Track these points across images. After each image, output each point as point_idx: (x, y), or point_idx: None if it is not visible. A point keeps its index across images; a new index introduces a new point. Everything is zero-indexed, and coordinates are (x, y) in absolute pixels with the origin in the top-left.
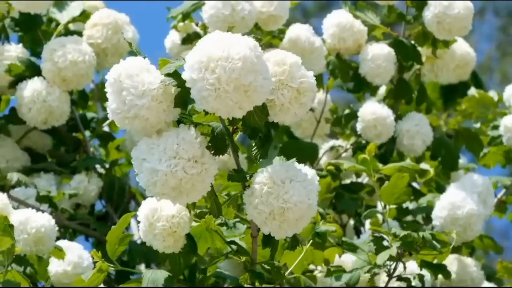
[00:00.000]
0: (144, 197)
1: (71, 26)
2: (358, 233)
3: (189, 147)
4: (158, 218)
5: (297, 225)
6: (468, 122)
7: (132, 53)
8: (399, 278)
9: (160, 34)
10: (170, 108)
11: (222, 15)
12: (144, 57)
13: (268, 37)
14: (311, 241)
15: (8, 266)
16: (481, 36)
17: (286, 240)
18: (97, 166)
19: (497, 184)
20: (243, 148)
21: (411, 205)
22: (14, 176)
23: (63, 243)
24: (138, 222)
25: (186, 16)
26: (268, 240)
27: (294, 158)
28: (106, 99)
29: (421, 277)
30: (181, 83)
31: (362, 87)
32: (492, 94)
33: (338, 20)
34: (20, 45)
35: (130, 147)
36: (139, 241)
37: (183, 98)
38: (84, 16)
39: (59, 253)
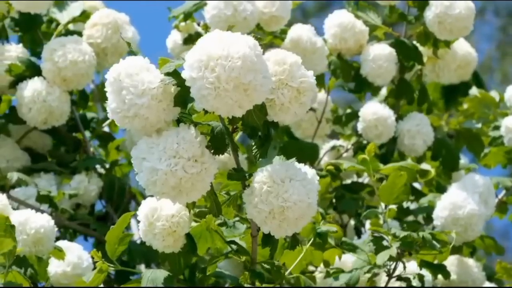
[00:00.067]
0: (144, 197)
1: (71, 26)
2: (358, 233)
3: (189, 146)
4: (158, 217)
5: (297, 224)
6: (469, 123)
7: (132, 53)
8: (399, 278)
9: (161, 34)
10: (170, 107)
11: (224, 15)
12: (144, 57)
13: (269, 37)
14: (311, 241)
15: (9, 267)
16: (481, 36)
17: (286, 240)
18: (97, 166)
19: (498, 185)
20: (243, 148)
21: (412, 205)
22: (14, 175)
23: (63, 244)
24: (138, 222)
25: (187, 16)
26: (268, 239)
27: (294, 158)
28: (107, 100)
29: (421, 277)
30: (180, 82)
31: (363, 87)
32: (493, 94)
33: (339, 20)
34: (20, 45)
35: (130, 147)
36: (139, 241)
37: (182, 97)
38: (84, 16)
39: (59, 253)
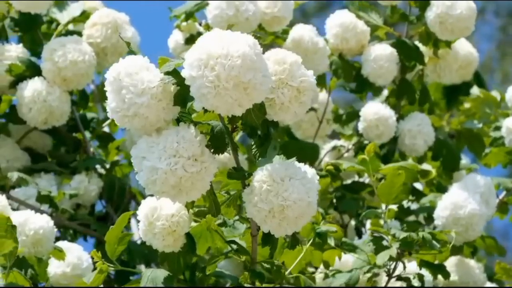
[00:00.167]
0: (144, 197)
1: (71, 27)
2: (359, 233)
3: (189, 145)
4: (157, 217)
5: (296, 223)
6: (471, 123)
7: (132, 52)
8: (399, 278)
9: (162, 35)
10: (170, 106)
11: (226, 15)
12: (144, 56)
13: (271, 37)
14: (311, 241)
15: (10, 268)
16: (481, 36)
17: (285, 240)
18: (98, 166)
19: (499, 186)
20: (243, 148)
21: (413, 205)
22: (14, 175)
23: (63, 244)
24: (138, 221)
25: (189, 15)
26: (268, 239)
27: (294, 157)
28: (107, 100)
29: (420, 277)
30: (180, 81)
31: (364, 87)
32: (495, 94)
33: (341, 20)
34: (21, 45)
35: (131, 147)
36: (139, 241)
37: (182, 96)
38: (84, 16)
39: (59, 253)
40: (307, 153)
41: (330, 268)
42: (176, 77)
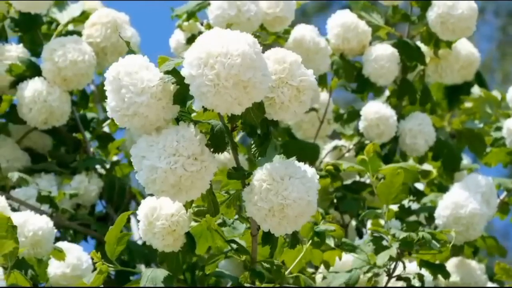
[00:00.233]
0: (144, 197)
1: (71, 27)
2: (360, 234)
3: (188, 144)
4: (157, 216)
5: (296, 222)
6: (471, 123)
7: (132, 52)
8: (399, 278)
9: (163, 35)
10: (169, 106)
11: (228, 15)
12: (143, 55)
13: (273, 37)
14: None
15: (10, 268)
16: (481, 36)
17: (285, 240)
18: (98, 166)
19: (500, 186)
20: (244, 149)
21: (414, 205)
22: (15, 176)
23: (63, 245)
24: (139, 221)
25: (191, 15)
26: (268, 238)
27: (294, 157)
28: (107, 100)
29: (420, 277)
30: (180, 80)
31: (365, 87)
32: (496, 94)
33: (342, 20)
34: (21, 45)
35: (131, 147)
36: (139, 242)
37: (182, 95)
38: (84, 16)
39: (59, 254)
40: (307, 153)
41: (331, 268)
42: (176, 76)
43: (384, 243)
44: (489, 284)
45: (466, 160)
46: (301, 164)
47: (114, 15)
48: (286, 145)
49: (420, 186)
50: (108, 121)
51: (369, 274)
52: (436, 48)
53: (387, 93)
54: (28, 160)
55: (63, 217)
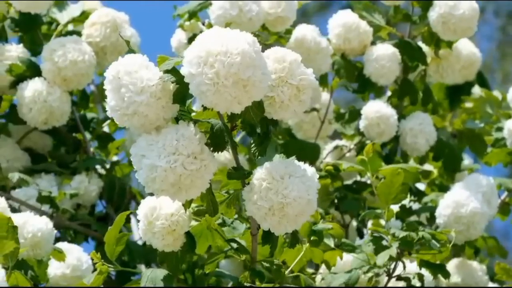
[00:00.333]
0: (144, 197)
1: (71, 27)
2: (361, 234)
3: (188, 143)
4: (157, 216)
5: (296, 221)
6: (472, 123)
7: (131, 51)
8: (399, 278)
9: (164, 36)
10: (169, 105)
11: (230, 15)
12: (143, 54)
13: (274, 37)
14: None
15: (11, 269)
16: (482, 36)
17: (285, 240)
18: (98, 166)
19: (500, 186)
20: (244, 149)
21: (415, 205)
22: (15, 176)
23: (63, 246)
24: (139, 221)
25: (192, 15)
26: (268, 237)
27: (294, 156)
28: (107, 99)
29: (420, 277)
30: (179, 79)
31: (366, 87)
32: (496, 94)
33: (344, 20)
34: (21, 45)
35: (131, 146)
36: (140, 242)
37: (181, 94)
38: (84, 16)
39: (59, 255)
40: (307, 153)
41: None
42: (175, 75)
43: (384, 243)
44: (490, 284)
45: (467, 160)
46: (301, 163)
47: (113, 14)
48: (287, 145)
49: (421, 186)
50: (108, 121)
51: (370, 274)
52: (437, 48)
53: (388, 93)
54: (28, 160)
55: (64, 217)
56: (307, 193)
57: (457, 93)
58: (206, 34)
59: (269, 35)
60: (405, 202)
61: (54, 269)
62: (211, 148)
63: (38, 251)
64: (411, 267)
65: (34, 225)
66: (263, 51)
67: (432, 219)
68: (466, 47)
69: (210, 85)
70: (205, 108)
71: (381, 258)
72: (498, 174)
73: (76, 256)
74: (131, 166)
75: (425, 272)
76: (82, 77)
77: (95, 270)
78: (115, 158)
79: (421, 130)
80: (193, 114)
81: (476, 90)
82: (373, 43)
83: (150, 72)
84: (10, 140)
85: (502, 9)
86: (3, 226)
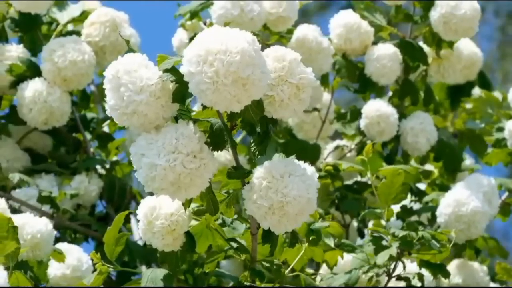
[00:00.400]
0: (144, 198)
1: (71, 27)
2: (361, 234)
3: (187, 141)
4: (157, 216)
5: (296, 220)
6: (473, 123)
7: (131, 51)
8: (399, 278)
9: (165, 36)
10: (168, 104)
11: (231, 15)
12: (142, 54)
13: (275, 36)
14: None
15: (12, 269)
16: (481, 36)
17: (285, 240)
18: (98, 166)
19: (501, 187)
20: (245, 149)
21: (416, 205)
22: (16, 176)
23: (63, 246)
24: (139, 221)
25: (194, 14)
26: (268, 236)
27: (294, 155)
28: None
29: (420, 277)
30: (179, 78)
31: (367, 87)
32: (496, 94)
33: (345, 20)
34: (21, 45)
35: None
36: (140, 242)
37: (181, 93)
38: (84, 16)
39: (59, 256)
40: (308, 153)
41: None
42: (175, 74)
43: (384, 243)
44: (492, 284)
45: (468, 161)
46: (301, 162)
47: (113, 14)
48: (287, 145)
49: (422, 186)
50: (108, 121)
51: (370, 274)
52: (438, 48)
53: (389, 94)
54: (28, 161)
55: (64, 217)
56: (307, 192)
57: (458, 93)
58: (205, 33)
59: (271, 35)
60: (406, 202)
61: (54, 269)
62: (211, 147)
63: (37, 252)
64: (411, 267)
65: (33, 226)
66: (264, 50)
67: (433, 219)
68: (467, 47)
69: (210, 83)
70: (204, 107)
71: (381, 258)
72: (498, 175)
73: (76, 257)
74: (131, 165)
75: (425, 272)
76: (82, 77)
77: (95, 270)
78: (115, 158)
79: (422, 129)
80: (192, 113)
81: (476, 91)
82: (374, 43)
83: (150, 71)
84: (10, 140)
85: (502, 9)
86: (3, 227)
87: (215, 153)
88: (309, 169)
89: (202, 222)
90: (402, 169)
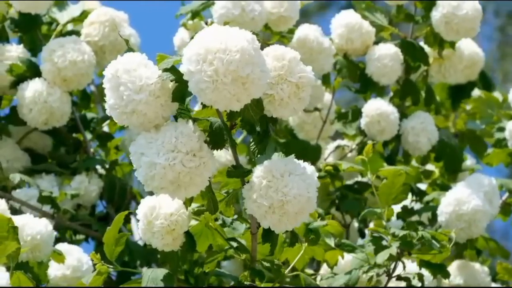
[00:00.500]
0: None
1: (70, 26)
2: (362, 234)
3: (187, 140)
4: (156, 216)
5: (296, 219)
6: (474, 123)
7: (130, 50)
8: (399, 278)
9: (165, 36)
10: (168, 103)
11: (232, 15)
12: (142, 53)
13: (277, 36)
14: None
15: (13, 269)
16: (482, 36)
17: (285, 240)
18: (98, 166)
19: (502, 187)
20: (246, 149)
21: (416, 205)
22: (17, 177)
23: (63, 247)
24: (139, 221)
25: (195, 14)
26: (268, 235)
27: (293, 154)
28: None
29: (420, 277)
30: (178, 77)
31: (368, 87)
32: (496, 94)
33: (346, 20)
34: (21, 45)
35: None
36: (140, 242)
37: (180, 92)
38: (84, 16)
39: (59, 257)
40: (309, 153)
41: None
42: (175, 73)
43: (384, 243)
44: (493, 284)
45: (469, 161)
46: (300, 161)
47: (112, 13)
48: (288, 145)
49: (422, 186)
50: (108, 121)
51: (370, 274)
52: (440, 48)
53: (390, 94)
54: (28, 161)
55: (65, 217)
56: (307, 190)
57: (459, 93)
58: (205, 32)
59: (272, 35)
60: (407, 202)
61: (55, 270)
62: (210, 146)
63: (37, 253)
64: (411, 267)
65: (33, 227)
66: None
67: (433, 219)
68: (468, 46)
69: (209, 82)
70: (204, 106)
71: (381, 257)
72: (499, 175)
73: (77, 257)
74: (131, 165)
75: (425, 272)
76: (82, 77)
77: (95, 271)
78: (115, 157)
79: (423, 128)
80: (192, 113)
81: (475, 92)
82: (375, 43)
83: (149, 71)
84: (10, 140)
85: (502, 9)
86: (3, 227)
87: (216, 154)
88: (309, 168)
89: (202, 222)
90: (402, 170)
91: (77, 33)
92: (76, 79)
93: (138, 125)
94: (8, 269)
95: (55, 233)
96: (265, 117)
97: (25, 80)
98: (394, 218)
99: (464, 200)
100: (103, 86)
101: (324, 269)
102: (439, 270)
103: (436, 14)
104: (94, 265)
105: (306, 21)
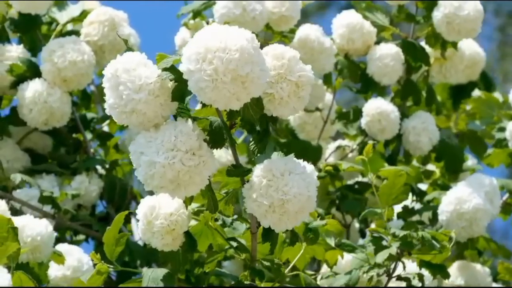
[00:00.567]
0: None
1: (70, 27)
2: (363, 234)
3: (186, 139)
4: (156, 216)
5: (297, 218)
6: (475, 124)
7: (130, 49)
8: (399, 278)
9: (165, 36)
10: (167, 102)
11: (233, 14)
12: (141, 53)
13: (278, 36)
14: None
15: (14, 269)
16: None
17: (285, 240)
18: (98, 166)
19: (503, 188)
20: (245, 148)
21: (417, 205)
22: (17, 177)
23: (63, 247)
24: (138, 221)
25: (197, 14)
26: (268, 234)
27: (293, 154)
28: None
29: (420, 277)
30: (178, 77)
31: (369, 87)
32: (497, 95)
33: (347, 20)
34: (21, 45)
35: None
36: (140, 242)
37: (180, 91)
38: (84, 16)
39: (59, 258)
40: (310, 153)
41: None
42: (174, 72)
43: (384, 243)
44: (494, 285)
45: (470, 161)
46: (300, 160)
47: (112, 13)
48: (289, 145)
49: (423, 186)
50: (108, 121)
51: (370, 274)
52: (443, 49)
53: (391, 94)
54: (28, 161)
55: (65, 217)
56: (307, 189)
57: (460, 93)
58: (204, 31)
59: (273, 35)
60: (407, 202)
61: (55, 270)
62: (210, 145)
63: (37, 254)
64: (411, 267)
65: (33, 228)
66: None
67: (434, 219)
68: (469, 46)
69: (209, 81)
70: (204, 105)
71: (380, 257)
72: (500, 175)
73: (77, 258)
74: (132, 165)
75: (425, 272)
76: (82, 77)
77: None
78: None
79: (424, 128)
80: (192, 112)
81: (475, 92)
82: (376, 43)
83: (149, 70)
84: (10, 140)
85: (502, 9)
86: (3, 228)
87: (216, 154)
88: (308, 167)
89: (202, 221)
90: (402, 170)
91: (76, 33)
92: (76, 79)
93: (137, 124)
94: (8, 269)
95: (55, 234)
96: (265, 116)
97: (25, 80)
98: (394, 218)
99: (465, 199)
100: (103, 85)
101: (325, 269)
102: (439, 270)
103: (437, 14)
104: (94, 265)
105: (305, 21)
